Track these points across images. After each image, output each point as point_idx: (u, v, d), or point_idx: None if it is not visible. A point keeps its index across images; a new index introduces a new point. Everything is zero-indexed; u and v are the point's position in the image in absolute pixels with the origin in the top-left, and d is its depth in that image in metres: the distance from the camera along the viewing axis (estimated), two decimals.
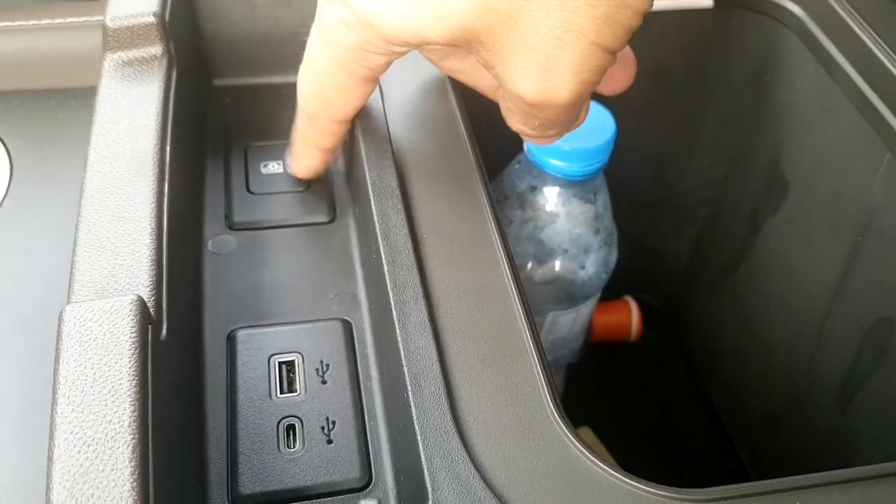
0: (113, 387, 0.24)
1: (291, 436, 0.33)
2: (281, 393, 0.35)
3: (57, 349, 0.26)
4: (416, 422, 0.27)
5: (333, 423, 0.34)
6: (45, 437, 0.24)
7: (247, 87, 0.50)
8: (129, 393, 0.25)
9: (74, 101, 0.49)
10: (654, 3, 0.48)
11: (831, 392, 0.49)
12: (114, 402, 0.24)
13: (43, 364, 0.30)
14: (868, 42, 0.45)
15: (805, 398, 0.52)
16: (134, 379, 0.25)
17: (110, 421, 0.24)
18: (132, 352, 0.26)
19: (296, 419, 0.34)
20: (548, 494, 0.26)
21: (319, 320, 0.38)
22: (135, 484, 0.22)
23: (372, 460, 0.33)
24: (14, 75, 0.49)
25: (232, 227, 0.42)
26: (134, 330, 0.27)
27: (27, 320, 0.37)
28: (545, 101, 0.28)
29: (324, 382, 0.35)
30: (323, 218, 0.42)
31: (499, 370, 0.29)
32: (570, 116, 0.30)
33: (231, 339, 0.37)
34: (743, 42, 0.53)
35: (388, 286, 0.31)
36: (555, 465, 0.27)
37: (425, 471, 0.26)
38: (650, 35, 0.53)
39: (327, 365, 0.36)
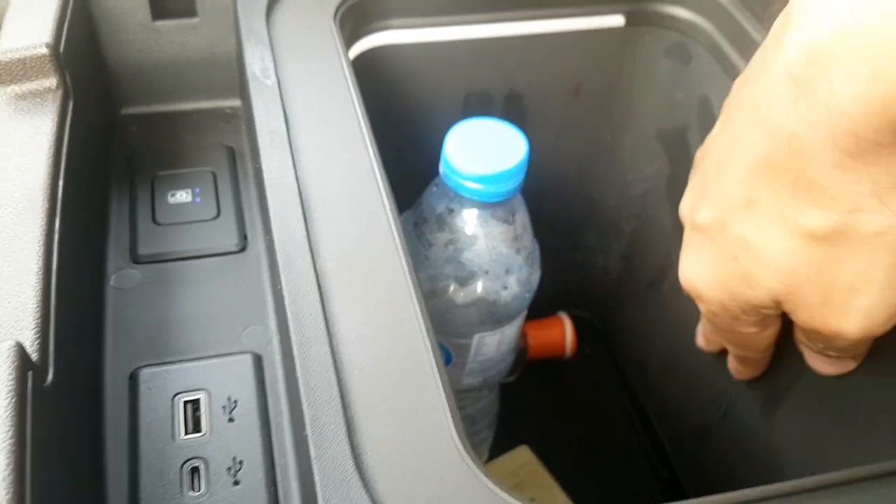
0: None
1: (196, 479, 0.32)
2: (185, 434, 0.33)
3: None
4: (314, 461, 0.26)
5: (241, 463, 0.33)
6: None
7: (155, 114, 0.49)
8: (3, 445, 0.23)
9: None
10: (567, 23, 0.48)
11: (757, 403, 0.50)
12: None
13: None
14: None
15: (733, 409, 0.53)
16: (9, 430, 0.24)
17: None
18: (7, 401, 0.24)
19: (200, 461, 0.33)
20: None
21: (228, 354, 0.36)
22: None
23: (281, 501, 0.32)
24: None
25: (137, 260, 0.40)
26: (10, 378, 0.25)
27: None
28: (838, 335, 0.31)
29: (231, 420, 0.34)
30: (233, 247, 0.41)
31: (402, 403, 0.28)
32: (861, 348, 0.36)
33: (133, 379, 0.35)
34: (655, 58, 0.53)
35: (289, 319, 0.30)
36: (460, 500, 0.26)
37: None
38: (565, 54, 0.53)
39: (235, 402, 0.35)
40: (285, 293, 0.31)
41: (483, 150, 0.43)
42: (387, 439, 0.27)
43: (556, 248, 0.54)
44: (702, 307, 0.36)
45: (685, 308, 0.57)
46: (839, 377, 0.43)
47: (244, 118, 0.47)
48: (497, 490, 0.26)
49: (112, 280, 0.39)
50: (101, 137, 0.46)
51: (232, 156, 0.46)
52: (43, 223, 0.33)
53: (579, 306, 0.70)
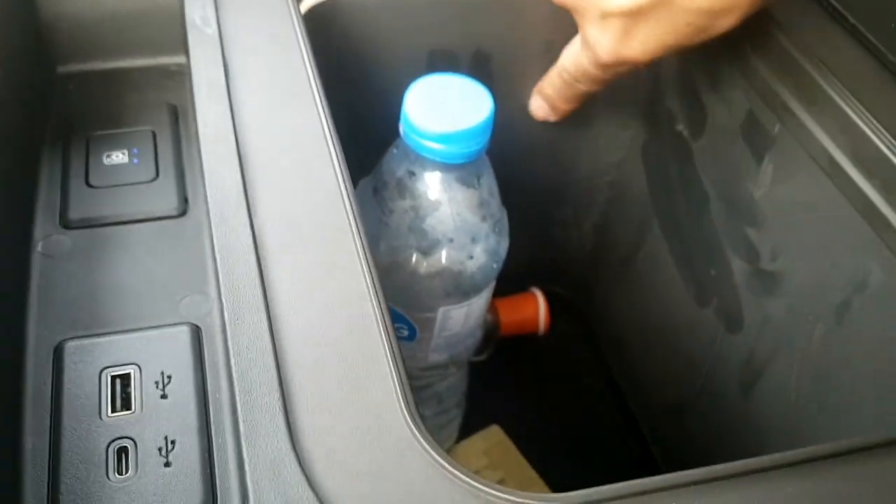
0: None
1: (123, 460, 0.29)
2: (113, 412, 0.30)
3: None
4: (243, 438, 0.23)
5: (173, 443, 0.30)
6: None
7: (94, 72, 0.45)
8: None
9: None
10: None
11: (734, 377, 0.47)
12: None
13: None
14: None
15: (709, 384, 0.50)
16: None
17: None
18: None
19: (129, 441, 0.30)
20: None
21: (163, 326, 0.33)
22: None
23: (217, 484, 0.29)
24: None
25: (67, 225, 0.37)
26: None
27: None
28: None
29: (164, 397, 0.31)
30: (173, 211, 0.38)
31: (347, 376, 0.26)
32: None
33: (58, 352, 0.32)
34: None
35: (221, 283, 0.27)
36: (407, 480, 0.23)
37: (251, 496, 0.22)
38: (535, 9, 0.50)
39: (169, 377, 0.32)
40: (217, 255, 0.28)
41: (446, 108, 0.40)
42: (330, 416, 0.25)
43: (527, 220, 0.52)
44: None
45: (661, 279, 0.55)
46: (820, 352, 0.41)
47: (188, 73, 0.44)
48: (452, 469, 0.24)
49: (39, 246, 0.36)
50: (34, 96, 0.42)
51: (174, 114, 0.43)
52: None
53: (552, 281, 0.67)
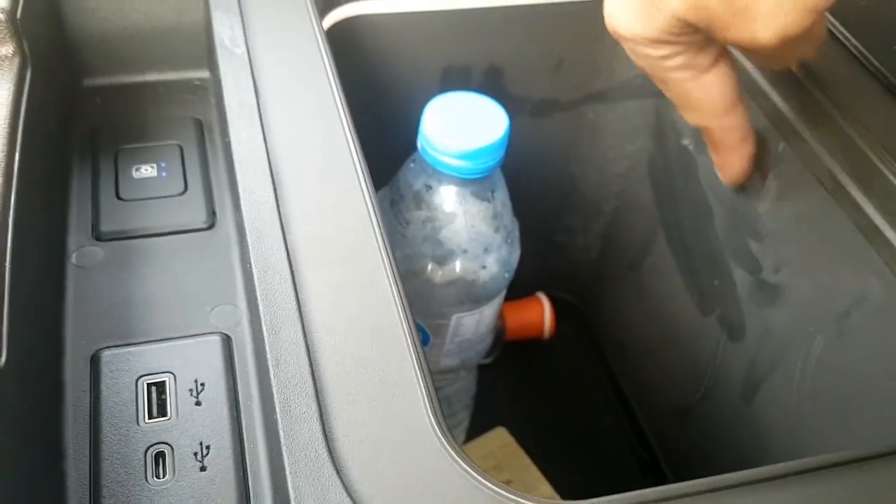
0: None
1: (160, 464, 0.31)
2: (150, 418, 0.32)
3: None
4: (283, 446, 0.25)
5: (208, 448, 0.31)
6: None
7: (119, 86, 0.46)
8: None
9: None
10: None
11: (736, 384, 0.49)
12: None
13: None
14: None
15: (712, 390, 0.52)
16: None
17: None
18: None
19: (166, 446, 0.31)
20: None
21: (195, 336, 0.35)
22: None
23: (251, 487, 0.30)
24: None
25: (99, 237, 0.38)
26: None
27: None
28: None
29: (198, 404, 0.32)
30: (201, 224, 0.39)
31: (378, 386, 0.27)
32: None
33: (95, 361, 0.34)
34: None
35: (259, 297, 0.29)
36: (435, 484, 0.25)
37: (292, 500, 0.23)
38: (546, 28, 0.52)
39: (202, 385, 0.33)
40: (254, 270, 0.30)
41: (462, 125, 0.41)
42: (361, 423, 0.26)
43: (535, 228, 0.53)
44: (626, 47, 0.37)
45: (665, 288, 0.56)
46: (824, 362, 0.42)
47: (213, 90, 0.45)
48: (474, 473, 0.25)
49: (73, 258, 0.37)
50: (62, 109, 0.44)
51: (200, 129, 0.44)
52: None
53: (558, 287, 0.69)
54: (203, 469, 0.30)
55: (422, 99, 0.44)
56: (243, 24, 0.39)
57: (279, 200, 0.32)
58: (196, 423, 0.32)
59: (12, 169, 0.33)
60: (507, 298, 0.58)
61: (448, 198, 0.44)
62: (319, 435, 0.25)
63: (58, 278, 0.36)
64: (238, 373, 0.34)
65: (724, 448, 0.51)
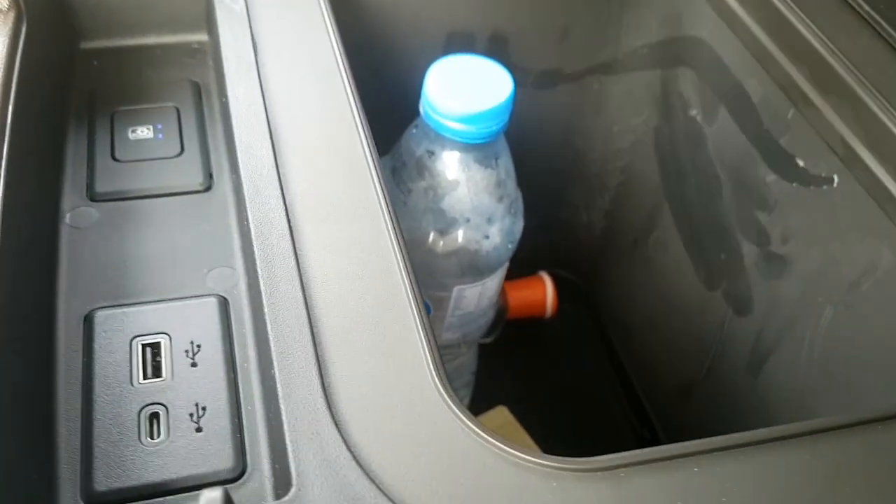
0: None
1: (155, 425, 0.30)
2: (144, 378, 0.31)
3: None
4: (281, 400, 0.24)
5: (203, 409, 0.30)
6: None
7: (117, 48, 0.45)
8: None
9: None
10: None
11: (742, 358, 0.48)
12: None
13: None
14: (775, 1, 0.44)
15: (717, 365, 0.51)
16: None
17: None
18: None
19: (160, 406, 0.30)
20: (428, 471, 0.23)
21: (191, 297, 0.34)
22: None
23: (247, 448, 0.30)
24: None
25: (94, 198, 0.38)
26: None
27: None
28: None
29: (194, 365, 0.32)
30: (198, 185, 0.39)
31: (379, 341, 0.26)
32: None
33: (88, 321, 0.33)
34: (646, 2, 0.51)
35: (256, 253, 0.28)
36: (437, 440, 0.24)
37: (290, 453, 0.23)
38: None
39: (198, 346, 0.32)
40: (252, 226, 0.29)
41: (466, 88, 0.40)
42: (362, 379, 0.25)
43: (538, 205, 0.52)
44: None
45: (671, 263, 0.55)
46: (832, 333, 0.41)
47: (211, 52, 0.44)
48: (479, 431, 0.25)
49: (67, 218, 0.37)
50: (59, 70, 0.43)
51: (197, 91, 0.43)
52: None
53: (561, 265, 0.68)
54: (199, 430, 0.30)
55: (424, 66, 0.43)
56: None
57: (278, 157, 0.31)
58: (192, 384, 0.31)
59: (4, 125, 0.32)
60: (509, 277, 0.58)
61: (451, 164, 0.43)
62: (318, 389, 0.25)
63: (51, 238, 0.35)
64: (235, 335, 0.33)
65: (728, 422, 0.51)
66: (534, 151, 0.57)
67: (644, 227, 0.58)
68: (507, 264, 0.50)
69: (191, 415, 0.30)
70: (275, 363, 0.25)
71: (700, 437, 0.54)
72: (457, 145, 0.42)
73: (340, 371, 0.25)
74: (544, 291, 0.67)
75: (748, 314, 0.48)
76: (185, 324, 0.33)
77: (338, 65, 0.36)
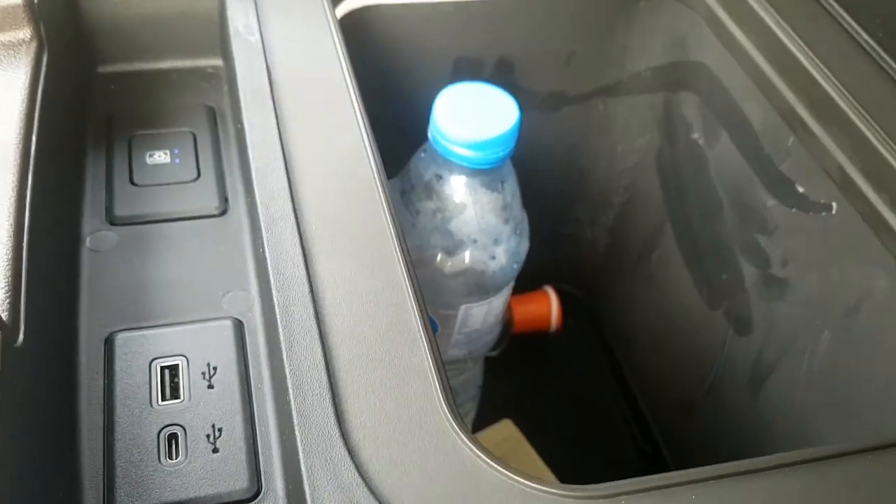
0: None
1: (174, 446, 0.31)
2: (163, 400, 0.32)
3: None
4: (296, 427, 0.25)
5: (220, 430, 0.31)
6: None
7: (133, 73, 0.47)
8: None
9: None
10: None
11: (743, 376, 0.49)
12: None
13: None
14: (771, 24, 0.45)
15: (718, 383, 0.52)
16: None
17: None
18: None
19: (179, 428, 0.31)
20: (438, 498, 0.24)
21: (207, 320, 0.35)
22: None
23: (262, 469, 0.31)
24: None
25: (113, 221, 0.39)
26: None
27: None
28: None
29: (210, 387, 0.33)
30: (214, 210, 0.40)
31: (389, 370, 0.27)
32: None
33: (109, 343, 0.34)
34: (650, 27, 0.52)
35: (272, 280, 0.29)
36: (446, 467, 0.25)
37: (304, 479, 0.24)
38: (558, 20, 0.52)
39: (215, 368, 0.33)
40: (268, 254, 0.30)
41: (474, 115, 0.42)
42: (373, 406, 0.26)
43: (543, 221, 0.53)
44: None
45: (673, 281, 0.56)
46: (831, 356, 0.42)
47: (226, 77, 0.46)
48: (484, 457, 0.26)
49: (87, 242, 0.38)
50: (77, 95, 0.44)
51: (213, 116, 0.44)
52: (15, 179, 0.31)
53: (565, 280, 0.69)
54: (215, 451, 0.31)
55: (433, 90, 0.44)
56: (257, 12, 0.39)
57: (292, 186, 0.32)
58: (208, 405, 0.32)
59: (29, 151, 0.33)
60: (515, 291, 0.59)
61: (458, 188, 0.44)
62: (332, 416, 0.26)
63: (72, 261, 0.37)
64: (250, 357, 0.34)
65: (728, 441, 0.52)
66: (540, 170, 0.58)
67: (647, 244, 0.59)
68: (512, 283, 0.51)
69: (208, 436, 0.31)
70: (290, 391, 0.26)
71: (702, 451, 0.55)
72: (464, 170, 0.43)
73: (352, 398, 0.27)
74: (549, 306, 0.68)
75: (748, 334, 0.49)
76: (201, 346, 0.34)
77: (349, 92, 0.37)
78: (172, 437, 0.31)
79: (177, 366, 0.33)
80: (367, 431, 0.26)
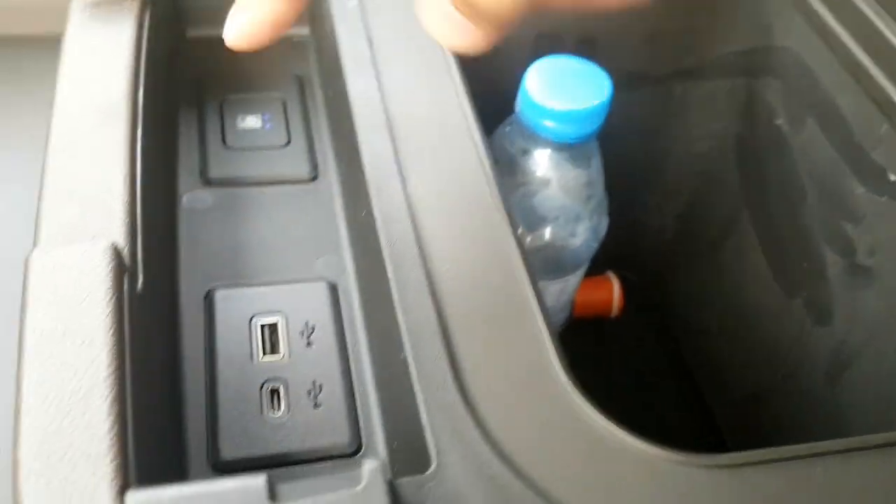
0: (87, 338, 0.22)
1: (275, 400, 0.31)
2: (263, 355, 0.33)
3: (23, 299, 0.23)
4: (415, 383, 0.25)
5: (320, 386, 0.32)
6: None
7: (219, 38, 0.47)
8: (105, 344, 0.22)
9: (42, 48, 0.46)
10: None
11: (820, 368, 0.49)
12: (88, 354, 0.22)
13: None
14: (866, 9, 0.44)
15: (792, 373, 0.52)
16: (111, 329, 0.23)
17: (85, 374, 0.21)
18: (108, 300, 0.23)
19: (279, 382, 0.32)
20: (559, 457, 0.24)
21: (303, 281, 0.36)
22: (113, 441, 0.20)
23: (361, 426, 0.31)
24: None
25: (208, 182, 0.39)
26: (109, 278, 0.24)
27: None
28: None
29: (309, 345, 0.33)
30: (304, 176, 0.40)
31: (502, 330, 0.27)
32: None
33: (209, 299, 0.35)
34: (735, 10, 0.51)
35: (383, 243, 0.29)
36: (564, 427, 0.25)
37: (428, 434, 0.24)
38: None
39: (312, 327, 0.34)
40: (377, 215, 0.30)
41: (565, 89, 0.41)
42: (488, 365, 0.26)
43: (610, 205, 0.53)
44: None
45: (748, 270, 0.56)
46: None
47: (315, 46, 0.46)
48: (605, 420, 0.26)
49: (184, 200, 0.38)
50: (171, 55, 0.44)
51: (301, 84, 0.45)
52: (126, 132, 0.32)
53: (629, 266, 0.68)
54: (316, 406, 0.31)
55: (513, 66, 0.44)
56: None
57: (397, 152, 0.32)
58: (308, 362, 0.33)
59: (137, 106, 0.34)
60: None
61: (543, 163, 0.44)
62: (448, 369, 0.26)
63: (171, 218, 0.37)
64: (345, 319, 0.35)
65: (798, 433, 0.51)
66: (611, 152, 0.58)
67: (720, 232, 0.59)
68: (587, 263, 0.50)
69: (308, 391, 0.32)
70: (407, 347, 0.26)
71: (768, 445, 0.54)
72: (551, 144, 0.43)
73: (467, 356, 0.27)
74: (611, 290, 0.68)
75: (829, 324, 0.48)
76: (298, 306, 0.35)
77: (446, 60, 0.37)
78: (274, 392, 0.32)
79: (275, 323, 0.34)
80: (483, 389, 0.26)
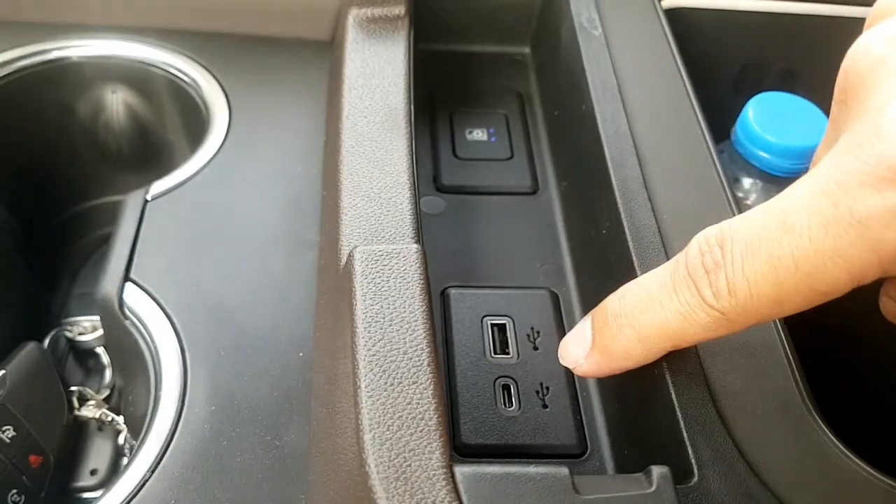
0: (410, 325, 0.25)
1: (507, 396, 0.34)
2: (495, 353, 0.36)
3: (351, 285, 0.27)
4: (675, 399, 0.27)
5: (547, 388, 0.34)
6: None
7: (446, 53, 0.50)
8: (425, 332, 0.26)
9: (282, 49, 0.50)
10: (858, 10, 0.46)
11: None
12: (412, 338, 0.25)
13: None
14: None
15: None
16: (427, 320, 0.26)
17: (413, 356, 0.25)
18: (423, 296, 0.27)
19: (510, 380, 0.35)
20: (810, 487, 0.26)
21: (528, 288, 0.38)
22: (441, 418, 0.23)
23: (587, 430, 0.33)
24: (224, 18, 0.51)
25: (440, 189, 0.43)
26: (423, 276, 0.28)
27: (262, 252, 0.39)
28: None
29: (535, 349, 0.36)
30: (526, 188, 0.43)
31: (749, 358, 0.29)
32: None
33: (445, 296, 0.38)
34: None
35: (635, 262, 0.31)
36: (811, 457, 0.27)
37: (689, 449, 0.26)
38: (850, 34, 0.51)
39: (538, 332, 0.36)
40: (629, 239, 0.32)
41: (785, 123, 0.43)
42: (737, 389, 0.28)
43: None
44: None
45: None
46: None
47: (536, 65, 0.49)
48: (850, 457, 0.27)
49: (421, 204, 0.42)
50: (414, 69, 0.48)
51: (521, 101, 0.48)
52: (406, 141, 0.35)
53: None
54: (545, 406, 0.34)
55: (715, 96, 0.45)
56: (597, 6, 0.42)
57: (645, 177, 0.35)
58: (535, 364, 0.35)
59: (412, 120, 0.37)
60: None
61: (754, 192, 0.45)
62: (703, 384, 0.28)
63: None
64: (566, 327, 0.37)
65: None
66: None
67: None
68: None
69: (537, 392, 0.34)
70: (665, 365, 0.28)
71: None
72: (764, 176, 0.44)
73: (718, 379, 0.29)
74: None
75: None
76: (524, 311, 0.37)
77: (684, 87, 0.39)
78: (506, 388, 0.34)
79: (504, 325, 0.37)
80: (736, 412, 0.27)
